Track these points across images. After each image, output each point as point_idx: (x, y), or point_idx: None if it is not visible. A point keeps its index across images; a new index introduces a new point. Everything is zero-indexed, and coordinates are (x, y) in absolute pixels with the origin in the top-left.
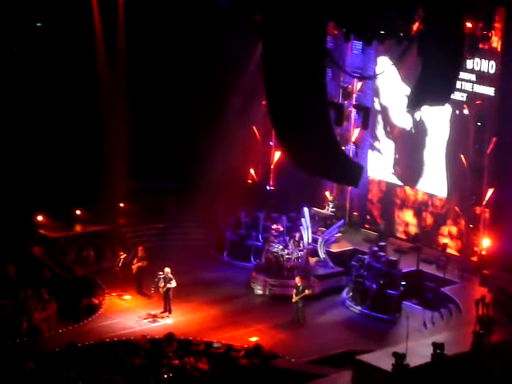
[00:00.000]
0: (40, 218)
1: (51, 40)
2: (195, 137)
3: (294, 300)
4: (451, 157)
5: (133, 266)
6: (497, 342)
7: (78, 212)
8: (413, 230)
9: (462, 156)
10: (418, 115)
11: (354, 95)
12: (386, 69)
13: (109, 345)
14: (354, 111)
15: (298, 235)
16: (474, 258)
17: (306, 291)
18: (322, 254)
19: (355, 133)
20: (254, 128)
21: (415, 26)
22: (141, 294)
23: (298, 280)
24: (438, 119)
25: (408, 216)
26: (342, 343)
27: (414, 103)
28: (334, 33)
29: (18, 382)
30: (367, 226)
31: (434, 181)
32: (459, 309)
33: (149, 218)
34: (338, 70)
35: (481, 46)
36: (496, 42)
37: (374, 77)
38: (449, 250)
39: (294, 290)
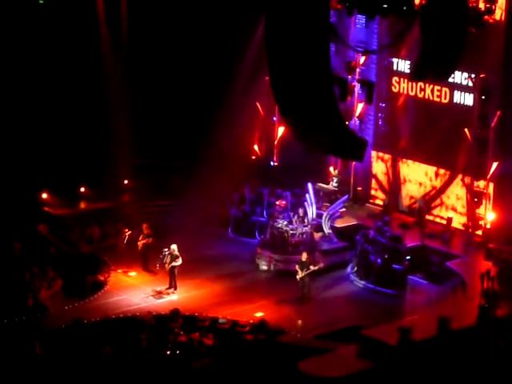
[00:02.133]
0: (45, 195)
1: (53, 18)
2: (199, 114)
3: (299, 276)
4: (456, 130)
5: (138, 243)
6: (502, 315)
7: (82, 189)
8: (417, 204)
9: (466, 130)
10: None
11: (358, 70)
12: (389, 43)
13: (114, 321)
14: (357, 86)
15: (302, 211)
16: (479, 232)
17: (312, 267)
18: (326, 230)
19: (359, 107)
20: (258, 104)
21: (418, 0)
22: (146, 271)
23: (304, 256)
24: (442, 90)
25: (412, 190)
26: (347, 318)
27: (417, 76)
28: (337, 7)
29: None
30: (371, 200)
31: (438, 154)
32: (464, 283)
33: (153, 195)
34: (342, 44)
35: (485, 18)
36: (499, 15)
37: (377, 51)
38: (453, 225)
39: (299, 266)
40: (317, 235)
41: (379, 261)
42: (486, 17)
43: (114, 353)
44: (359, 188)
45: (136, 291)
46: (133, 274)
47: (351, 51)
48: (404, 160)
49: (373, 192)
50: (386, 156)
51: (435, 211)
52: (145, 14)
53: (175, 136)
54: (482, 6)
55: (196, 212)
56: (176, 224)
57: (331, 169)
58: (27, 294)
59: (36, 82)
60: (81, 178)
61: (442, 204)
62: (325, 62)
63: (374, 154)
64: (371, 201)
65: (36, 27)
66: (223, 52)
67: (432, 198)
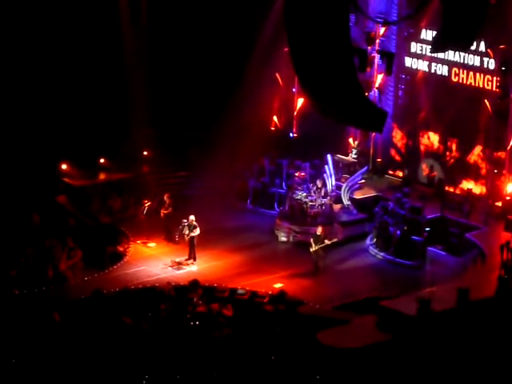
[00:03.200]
0: (64, 166)
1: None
2: (218, 85)
3: (313, 249)
4: (475, 102)
5: (161, 213)
6: None
7: (102, 160)
8: (437, 175)
9: (485, 101)
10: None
11: (378, 41)
12: (409, 14)
13: (134, 292)
14: (377, 57)
15: (321, 182)
16: (499, 203)
17: (326, 241)
18: (345, 201)
19: (379, 78)
20: (277, 75)
21: None
22: (169, 241)
23: (319, 230)
24: (463, 62)
25: (432, 162)
26: (366, 289)
27: (438, 47)
28: None
29: (45, 331)
30: (391, 172)
31: (459, 126)
32: (484, 254)
33: (172, 167)
34: (361, 15)
35: None
36: None
37: (397, 22)
38: (473, 196)
39: (313, 239)
40: (336, 207)
41: (398, 232)
42: None
43: (134, 323)
44: (379, 159)
45: (155, 262)
46: (152, 244)
47: (371, 22)
48: (424, 131)
49: (392, 163)
50: (406, 127)
51: (455, 182)
52: None
53: (195, 107)
54: None
55: (215, 183)
56: (195, 195)
57: (350, 140)
58: (47, 265)
59: (57, 56)
60: (100, 149)
61: (461, 175)
62: (344, 32)
63: (394, 125)
64: (390, 172)
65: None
66: (243, 23)
67: (452, 170)
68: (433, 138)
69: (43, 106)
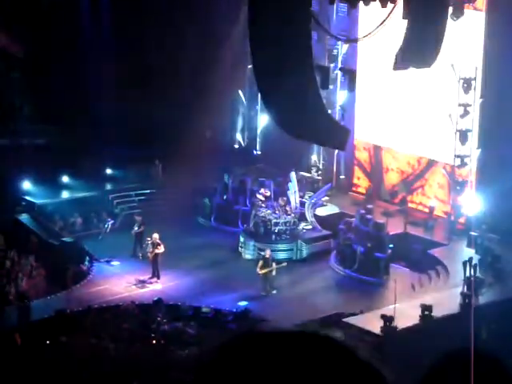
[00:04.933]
0: (26, 184)
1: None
2: (181, 102)
3: (261, 272)
4: (438, 118)
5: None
6: (484, 303)
7: (64, 178)
8: (400, 192)
9: (449, 116)
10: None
11: (340, 58)
12: (371, 31)
13: (97, 311)
14: (339, 74)
15: (285, 199)
16: (462, 220)
17: (274, 265)
18: (309, 218)
19: (341, 96)
20: (240, 92)
21: None
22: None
23: (267, 253)
24: (424, 80)
25: (395, 178)
26: (330, 306)
27: (400, 65)
28: None
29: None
30: (354, 189)
31: (421, 142)
32: (447, 270)
33: (135, 185)
34: (324, 32)
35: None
36: (481, 3)
37: (359, 39)
38: (436, 212)
39: (261, 262)
40: (300, 224)
41: (362, 249)
42: (467, 5)
43: (98, 343)
44: (342, 176)
45: (119, 280)
46: (115, 263)
47: (333, 39)
48: (386, 148)
49: (355, 180)
50: (369, 144)
51: (418, 199)
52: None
53: (157, 124)
54: None
55: (179, 201)
56: (158, 212)
57: (314, 157)
58: (9, 284)
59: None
60: (63, 167)
61: (424, 192)
62: (307, 50)
63: (356, 142)
64: (354, 189)
65: None
66: (205, 41)
67: (414, 186)
68: (395, 155)
69: (4, 122)
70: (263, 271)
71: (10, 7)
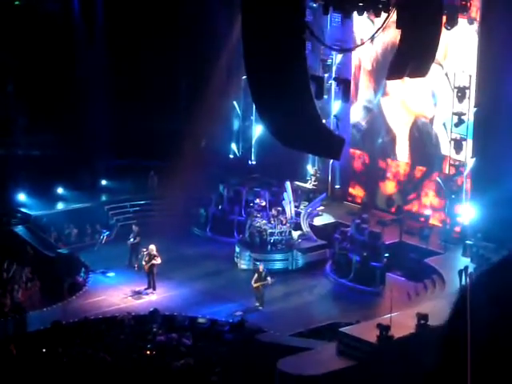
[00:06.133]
0: (22, 196)
1: (30, 18)
2: (177, 113)
3: (254, 286)
4: (433, 127)
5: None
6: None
7: (59, 190)
8: (395, 201)
9: (443, 125)
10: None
11: (334, 68)
12: (365, 41)
13: (93, 322)
14: (334, 84)
15: (279, 209)
16: (457, 228)
17: (269, 279)
18: (305, 228)
19: (336, 106)
20: (235, 103)
21: None
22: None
23: (260, 268)
24: (420, 89)
25: (390, 188)
26: (326, 316)
27: (394, 74)
28: (313, 5)
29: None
30: (349, 198)
31: (416, 152)
32: (443, 279)
33: (131, 195)
34: (318, 42)
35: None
36: (475, 12)
37: (353, 49)
38: (431, 221)
39: (256, 276)
40: (295, 233)
41: (358, 258)
42: (460, 15)
43: (94, 354)
44: (337, 186)
45: (115, 291)
46: (111, 274)
47: (327, 49)
48: (382, 157)
49: (351, 190)
50: (364, 154)
51: (413, 208)
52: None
53: (152, 135)
54: (457, 2)
55: (174, 211)
56: (154, 223)
57: (309, 167)
58: (5, 296)
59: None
60: (58, 178)
61: (419, 201)
62: (301, 60)
63: (351, 151)
64: (349, 198)
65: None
66: (200, 52)
67: (409, 196)
68: (391, 164)
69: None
70: (255, 285)
71: (4, 19)
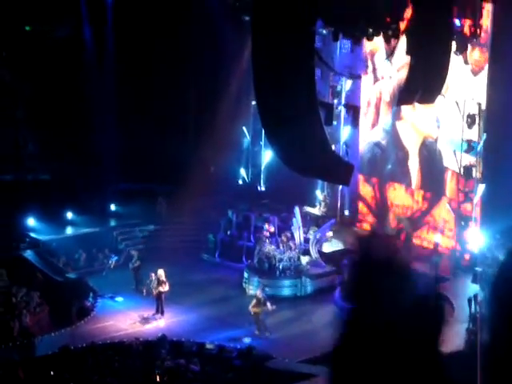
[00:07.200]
0: (31, 220)
1: (40, 44)
2: (186, 138)
3: (253, 312)
4: (442, 154)
5: (130, 267)
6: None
7: (68, 215)
8: (404, 228)
9: (453, 152)
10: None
11: (344, 94)
12: (375, 67)
13: (101, 347)
14: (343, 110)
15: (289, 235)
16: (467, 256)
17: (269, 304)
18: (314, 254)
19: (345, 132)
20: (244, 128)
21: (403, 24)
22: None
23: (258, 292)
24: (427, 116)
25: (400, 214)
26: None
27: (404, 100)
28: (323, 32)
29: None
30: (358, 224)
31: (425, 178)
32: (452, 306)
33: (139, 220)
34: (327, 69)
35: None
36: (485, 39)
37: (362, 75)
38: (441, 248)
39: (254, 301)
40: (304, 259)
41: None
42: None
43: (101, 379)
44: (346, 212)
45: (123, 317)
46: (120, 299)
47: (337, 76)
48: (391, 183)
49: (360, 216)
50: (373, 180)
51: (422, 234)
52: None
53: (162, 160)
54: (466, 30)
55: (183, 236)
56: (163, 248)
57: (318, 192)
58: (13, 320)
59: (20, 108)
60: (67, 203)
61: (429, 227)
62: (310, 86)
63: (360, 177)
64: (358, 224)
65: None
66: (209, 77)
67: (418, 222)
68: (400, 190)
69: (8, 157)
70: (254, 310)
71: (15, 44)
